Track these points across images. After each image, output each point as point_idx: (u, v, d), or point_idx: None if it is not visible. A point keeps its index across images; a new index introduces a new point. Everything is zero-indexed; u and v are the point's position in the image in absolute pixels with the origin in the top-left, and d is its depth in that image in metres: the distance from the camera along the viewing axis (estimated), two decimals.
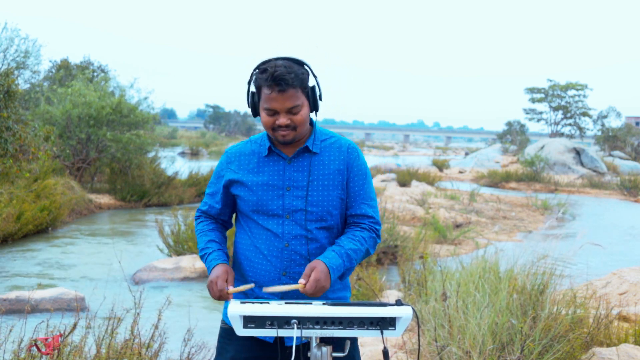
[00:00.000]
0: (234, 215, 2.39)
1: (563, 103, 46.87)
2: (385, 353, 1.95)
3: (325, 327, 1.90)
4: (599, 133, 42.13)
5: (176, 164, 19.84)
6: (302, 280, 2.02)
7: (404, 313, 1.91)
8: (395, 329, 1.93)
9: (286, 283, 2.15)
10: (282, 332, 1.89)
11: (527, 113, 48.62)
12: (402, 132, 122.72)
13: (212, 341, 3.78)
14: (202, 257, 2.24)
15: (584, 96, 46.45)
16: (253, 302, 1.93)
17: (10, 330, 3.05)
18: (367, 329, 1.92)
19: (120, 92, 17.35)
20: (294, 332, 1.88)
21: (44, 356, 2.78)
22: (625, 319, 4.84)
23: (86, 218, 12.64)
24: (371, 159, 36.32)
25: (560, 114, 47.24)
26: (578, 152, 29.54)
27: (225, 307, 2.20)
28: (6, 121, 7.51)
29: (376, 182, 20.70)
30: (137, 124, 15.70)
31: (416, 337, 4.39)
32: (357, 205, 2.21)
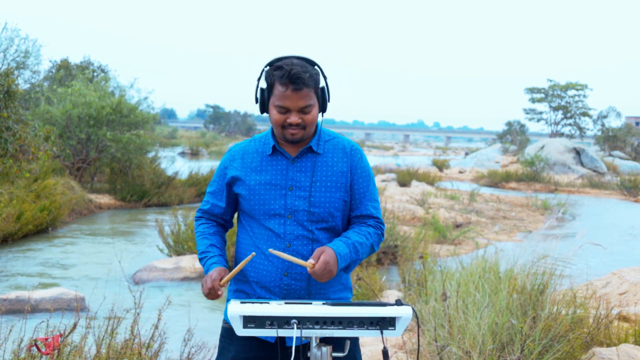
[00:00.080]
0: (234, 215, 2.38)
1: (563, 103, 46.87)
2: (385, 353, 1.95)
3: (325, 327, 1.90)
4: (599, 133, 42.13)
5: (176, 164, 19.84)
6: (311, 261, 2.01)
7: (403, 313, 1.91)
8: (395, 329, 1.93)
9: (288, 283, 2.15)
10: (282, 332, 1.89)
11: (527, 113, 48.62)
12: (402, 132, 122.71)
13: (212, 341, 3.78)
14: (201, 260, 2.24)
15: (584, 96, 46.46)
16: (253, 302, 1.93)
17: (10, 330, 3.05)
18: (367, 329, 1.92)
19: (120, 92, 17.35)
20: (294, 332, 1.88)
21: (44, 356, 2.78)
22: (625, 319, 4.84)
23: (86, 218, 12.64)
24: (371, 159, 36.31)
25: (560, 114, 47.24)
26: (578, 152, 29.55)
27: (227, 307, 2.20)
28: (6, 121, 7.51)
29: (376, 182, 20.65)
30: (137, 124, 15.70)
31: (416, 337, 4.39)
32: (362, 207, 2.22)
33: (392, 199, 14.66)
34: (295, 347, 1.99)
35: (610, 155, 35.84)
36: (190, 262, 7.84)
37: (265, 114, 2.20)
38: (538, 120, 48.53)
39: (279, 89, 2.08)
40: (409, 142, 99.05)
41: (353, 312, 1.90)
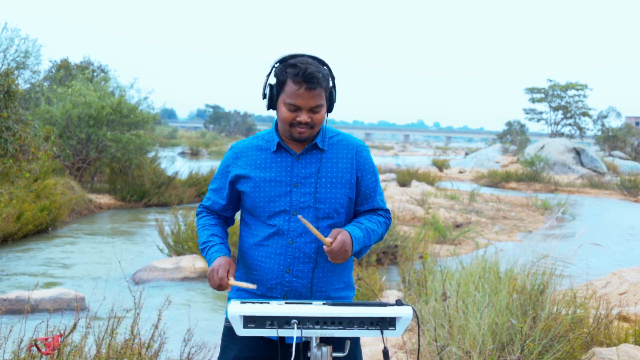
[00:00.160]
0: (235, 215, 2.38)
1: (563, 103, 46.87)
2: (385, 353, 1.95)
3: (325, 327, 1.90)
4: (599, 133, 42.14)
5: (176, 164, 19.83)
6: (329, 239, 2.02)
7: (404, 313, 1.91)
8: (395, 329, 1.93)
9: (289, 280, 2.15)
10: (282, 332, 1.89)
11: (527, 113, 48.63)
12: (402, 132, 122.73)
13: (212, 341, 3.78)
14: (202, 250, 2.23)
15: (584, 96, 46.46)
16: (253, 302, 1.93)
17: (10, 330, 3.05)
18: (367, 329, 1.92)
19: (120, 92, 17.34)
20: (294, 332, 1.88)
21: (44, 356, 2.78)
22: (625, 319, 4.84)
23: (86, 218, 12.64)
24: None
25: (560, 114, 47.24)
26: (578, 152, 29.54)
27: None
28: (6, 121, 7.51)
29: None
30: (137, 124, 15.70)
31: (416, 337, 4.39)
32: (372, 201, 2.26)
33: (392, 199, 14.66)
34: (296, 346, 1.99)
35: (610, 155, 35.84)
36: (190, 262, 7.84)
37: (271, 111, 2.20)
38: (538, 120, 48.54)
39: (291, 86, 2.08)
40: (409, 142, 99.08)
41: (353, 312, 1.91)
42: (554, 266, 4.87)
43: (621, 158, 34.52)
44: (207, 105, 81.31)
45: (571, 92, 46.57)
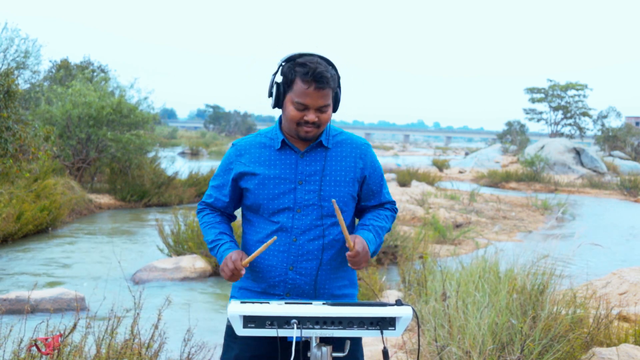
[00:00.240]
0: (235, 212, 2.38)
1: (563, 103, 46.87)
2: (385, 353, 1.95)
3: (325, 327, 1.90)
4: (599, 133, 42.14)
5: (176, 164, 19.83)
6: (351, 241, 2.05)
7: (404, 313, 1.91)
8: (395, 329, 1.93)
9: (293, 278, 2.15)
10: (282, 332, 1.89)
11: (527, 113, 48.63)
12: (402, 132, 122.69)
13: (212, 341, 3.79)
14: (212, 249, 2.22)
15: (584, 96, 46.47)
16: (253, 302, 1.93)
17: (10, 330, 3.05)
18: (367, 329, 1.92)
19: (120, 92, 17.34)
20: (294, 332, 1.88)
21: (44, 356, 2.78)
22: (625, 319, 4.84)
23: (86, 218, 12.64)
24: None
25: (560, 114, 47.24)
26: (578, 152, 29.54)
27: None
28: (6, 121, 7.51)
29: None
30: (137, 124, 15.70)
31: (416, 337, 4.39)
32: (380, 196, 2.31)
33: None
34: (296, 346, 1.99)
35: (610, 155, 35.84)
36: (190, 262, 7.84)
37: (273, 110, 2.20)
38: (538, 120, 48.54)
39: (300, 85, 2.07)
40: (409, 142, 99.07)
41: (353, 312, 1.91)
42: (554, 266, 4.88)
43: (621, 158, 34.52)
44: (207, 105, 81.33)
45: (571, 92, 46.59)
